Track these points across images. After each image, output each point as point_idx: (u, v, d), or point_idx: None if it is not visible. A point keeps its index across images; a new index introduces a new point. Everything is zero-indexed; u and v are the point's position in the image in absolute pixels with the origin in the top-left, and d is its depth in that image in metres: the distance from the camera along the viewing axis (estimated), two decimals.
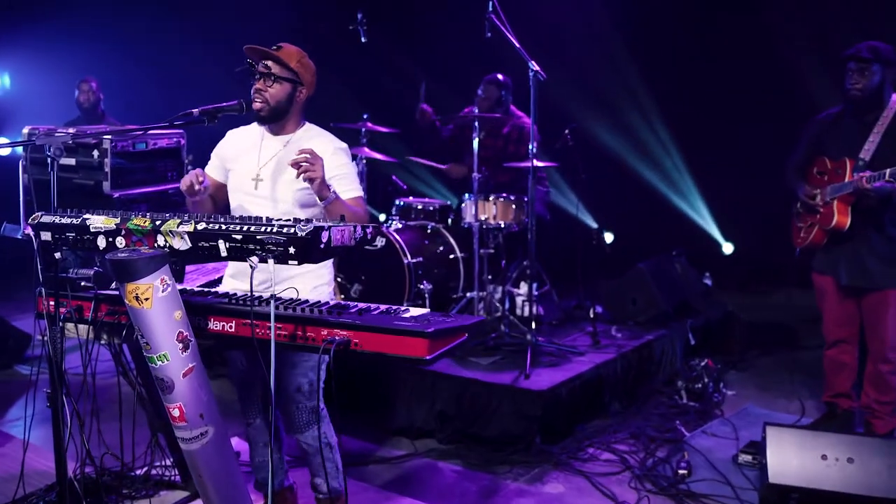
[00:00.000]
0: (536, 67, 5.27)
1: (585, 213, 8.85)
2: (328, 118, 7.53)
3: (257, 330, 2.78)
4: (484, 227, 6.18)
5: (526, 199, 6.20)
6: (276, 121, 3.55)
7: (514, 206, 6.23)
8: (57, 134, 4.02)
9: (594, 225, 8.36)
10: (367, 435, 5.19)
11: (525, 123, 6.52)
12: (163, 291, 2.65)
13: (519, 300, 6.40)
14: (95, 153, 3.97)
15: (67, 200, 4.20)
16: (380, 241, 6.29)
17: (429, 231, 6.37)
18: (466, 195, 6.37)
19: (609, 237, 9.58)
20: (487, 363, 5.44)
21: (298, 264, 2.56)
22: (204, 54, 8.49)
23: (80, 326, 3.19)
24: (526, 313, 6.28)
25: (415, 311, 2.94)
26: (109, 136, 3.82)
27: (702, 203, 9.12)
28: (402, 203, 6.68)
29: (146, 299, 2.62)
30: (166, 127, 3.32)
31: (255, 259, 2.53)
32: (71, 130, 4.01)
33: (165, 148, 4.34)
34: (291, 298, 2.98)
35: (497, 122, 6.54)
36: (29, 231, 3.07)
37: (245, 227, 2.58)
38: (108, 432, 3.49)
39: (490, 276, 6.32)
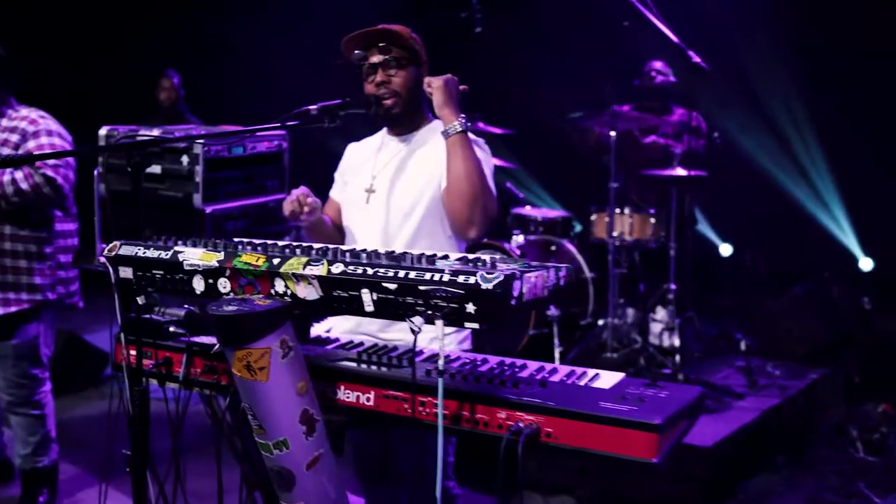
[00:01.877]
0: (697, 59, 4.40)
1: (707, 226, 7.89)
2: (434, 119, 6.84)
3: (404, 405, 2.01)
4: (618, 243, 5.35)
5: (667, 212, 5.36)
6: (410, 117, 2.82)
7: (652, 220, 5.38)
8: (140, 136, 3.35)
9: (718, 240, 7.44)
10: (487, 486, 4.39)
11: (689, 117, 5.62)
12: (283, 357, 1.90)
13: (656, 328, 5.53)
14: (185, 159, 3.27)
15: (151, 217, 3.54)
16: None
17: (553, 248, 5.55)
18: (594, 206, 5.56)
19: (727, 249, 8.59)
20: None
21: (480, 328, 1.77)
22: (290, 52, 7.81)
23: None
24: (665, 343, 5.42)
25: (608, 378, 2.13)
26: (202, 139, 3.10)
27: (842, 215, 8.04)
28: (518, 214, 5.88)
29: (261, 369, 1.87)
30: (276, 127, 2.58)
31: (418, 321, 1.75)
32: (156, 132, 3.33)
33: (265, 153, 3.62)
34: (433, 352, 2.20)
35: (655, 119, 5.64)
36: (104, 260, 2.36)
37: (402, 273, 1.81)
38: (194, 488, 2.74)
39: (622, 300, 5.48)
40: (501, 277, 1.73)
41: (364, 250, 2.26)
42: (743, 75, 7.02)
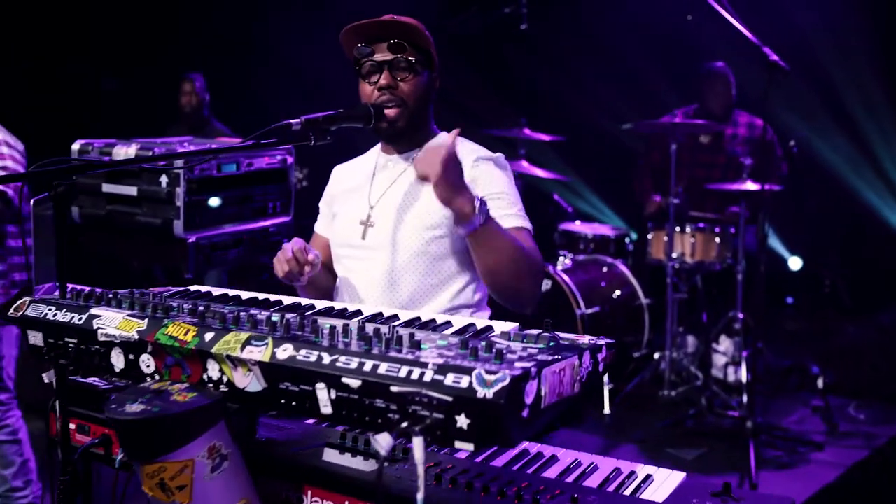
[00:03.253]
0: (775, 57, 3.78)
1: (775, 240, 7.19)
2: (476, 125, 6.28)
3: None
4: (678, 265, 4.74)
5: (733, 231, 4.74)
6: (415, 132, 2.27)
7: (717, 240, 4.76)
8: (116, 150, 2.89)
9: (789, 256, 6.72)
10: None
11: (759, 125, 4.98)
12: (213, 471, 1.39)
13: (720, 361, 4.91)
14: (163, 180, 2.78)
15: (128, 246, 3.08)
16: (545, 285, 4.72)
17: (605, 270, 4.96)
18: (652, 223, 4.96)
19: (797, 262, 7.84)
20: (691, 458, 4.00)
21: (475, 449, 1.23)
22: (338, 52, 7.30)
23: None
24: (730, 379, 4.81)
25: (664, 480, 1.58)
26: (183, 156, 2.60)
27: None
28: (566, 230, 5.30)
29: (180, 488, 1.36)
30: (246, 147, 2.08)
31: (384, 441, 1.21)
32: (133, 147, 2.85)
33: (265, 170, 3.12)
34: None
35: (718, 126, 5.00)
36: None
37: (369, 365, 1.28)
38: None
39: (682, 329, 4.87)
40: (507, 381, 1.19)
41: (344, 310, 1.74)
42: (822, 75, 6.29)
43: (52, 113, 5.64)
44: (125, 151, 2.85)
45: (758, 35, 3.89)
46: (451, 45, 6.17)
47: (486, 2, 5.37)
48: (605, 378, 4.51)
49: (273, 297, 1.88)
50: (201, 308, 1.61)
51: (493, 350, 1.30)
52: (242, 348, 1.40)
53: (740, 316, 4.70)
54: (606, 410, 4.46)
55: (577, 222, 5.47)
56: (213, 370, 1.46)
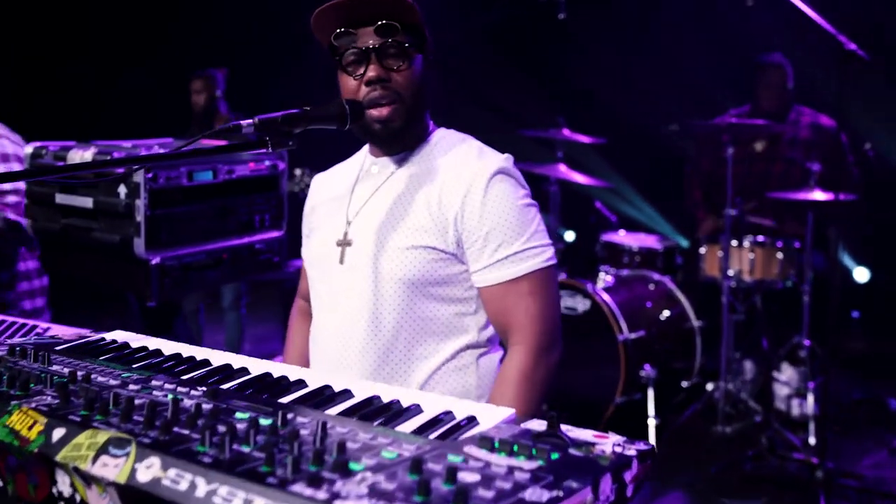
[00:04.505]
0: (852, 45, 3.23)
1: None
2: (510, 125, 5.78)
3: None
4: (735, 283, 4.21)
5: (798, 246, 4.20)
6: (409, 131, 1.83)
7: (780, 256, 4.22)
8: (72, 154, 2.48)
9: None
10: None
11: (827, 125, 4.42)
12: None
13: (782, 392, 4.36)
14: (122, 191, 2.35)
15: (85, 266, 2.66)
16: (582, 305, 4.18)
17: (651, 287, 4.43)
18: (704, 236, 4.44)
19: (863, 274, 7.19)
20: None
21: None
22: None
23: None
24: (794, 413, 4.26)
25: None
26: (142, 162, 2.17)
27: None
28: (609, 241, 4.79)
29: None
30: (179, 156, 1.63)
31: None
32: (90, 151, 2.44)
33: (250, 178, 2.69)
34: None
35: (779, 127, 4.44)
36: None
37: (261, 499, 0.81)
38: None
39: (739, 355, 4.34)
40: None
41: (280, 381, 1.27)
42: None
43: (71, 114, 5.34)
44: (80, 155, 2.44)
45: (830, 21, 3.35)
46: (482, 37, 5.70)
47: None
48: (651, 410, 3.99)
49: (202, 354, 1.42)
50: (75, 379, 1.17)
51: (456, 485, 0.83)
52: (95, 458, 0.95)
53: (806, 342, 4.16)
54: None
55: (621, 232, 4.95)
56: (63, 484, 1.00)
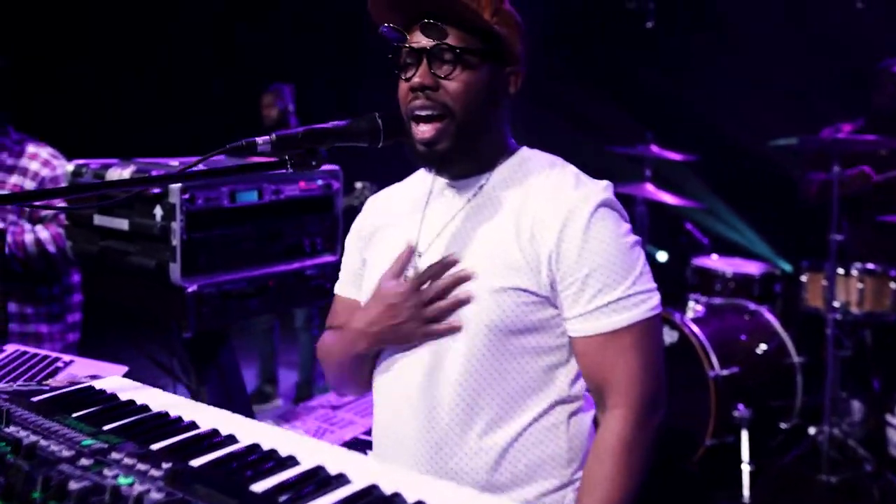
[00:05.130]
0: None
1: None
2: (595, 140, 5.46)
3: None
4: (841, 316, 3.80)
5: None
6: (474, 153, 1.56)
7: (893, 286, 3.80)
8: (111, 173, 2.33)
9: None
10: None
11: None
12: None
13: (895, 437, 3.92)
14: (157, 212, 2.19)
15: (123, 291, 2.50)
16: (669, 337, 3.80)
17: (746, 318, 4.06)
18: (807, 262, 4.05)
19: None
20: None
21: None
22: None
23: None
24: None
25: None
26: (181, 180, 1.98)
27: None
28: (700, 266, 4.43)
29: None
30: (171, 179, 1.42)
31: None
32: (129, 169, 2.29)
33: (301, 199, 2.50)
34: None
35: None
36: None
37: None
38: None
39: (845, 395, 3.93)
40: None
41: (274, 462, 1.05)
42: None
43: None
44: (119, 174, 2.29)
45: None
46: (564, 48, 5.41)
47: None
48: (745, 455, 3.62)
49: (192, 414, 1.20)
50: (18, 449, 0.97)
51: None
52: None
53: None
54: (746, 499, 3.57)
55: (714, 257, 4.58)
56: None
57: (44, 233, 2.84)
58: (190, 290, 2.19)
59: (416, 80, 1.48)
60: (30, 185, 2.90)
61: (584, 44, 5.29)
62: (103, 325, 3.36)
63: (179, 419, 1.18)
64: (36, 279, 2.92)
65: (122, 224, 2.26)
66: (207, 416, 1.19)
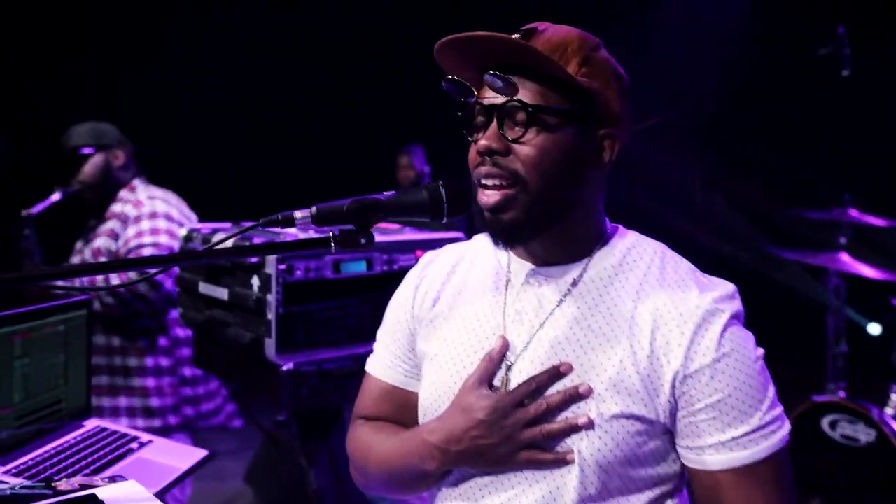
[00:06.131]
0: None
1: None
2: (782, 203, 4.90)
3: None
4: None
5: None
6: (539, 231, 1.25)
7: None
8: (216, 238, 2.22)
9: None
10: None
11: None
12: None
13: None
14: (255, 282, 2.05)
15: (228, 364, 2.37)
16: (865, 436, 3.23)
17: None
18: None
19: None
20: None
21: None
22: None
23: None
24: None
25: None
26: (274, 249, 1.81)
27: None
28: None
29: None
30: (202, 256, 1.24)
31: None
32: (232, 240, 2.16)
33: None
34: None
35: None
36: None
37: None
38: None
39: None
40: None
41: None
42: None
43: None
44: (223, 242, 2.17)
45: None
46: (750, 99, 4.91)
47: (793, 41, 4.11)
48: None
49: None
50: None
51: None
52: None
53: None
54: None
55: None
56: None
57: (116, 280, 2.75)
58: (285, 368, 2.01)
59: (482, 142, 1.22)
60: (113, 224, 2.86)
61: (772, 96, 4.81)
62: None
63: None
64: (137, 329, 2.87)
65: (223, 293, 2.14)
66: None
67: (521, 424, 1.21)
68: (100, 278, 2.73)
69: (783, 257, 4.15)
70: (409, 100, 6.19)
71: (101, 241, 2.87)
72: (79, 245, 3.02)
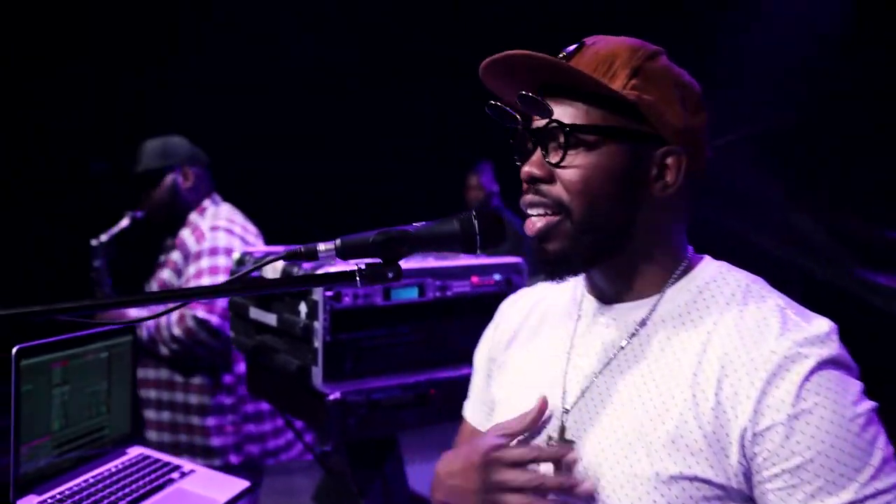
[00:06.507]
0: None
1: None
2: (875, 229, 4.57)
3: None
4: None
5: None
6: (592, 263, 1.16)
7: None
8: (269, 267, 2.18)
9: None
10: None
11: None
12: None
13: None
14: (302, 309, 1.99)
15: (278, 392, 2.32)
16: None
17: None
18: None
19: None
20: None
21: None
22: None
23: None
24: None
25: None
26: (294, 283, 1.76)
27: None
28: None
29: None
30: (221, 291, 1.17)
31: None
32: (280, 264, 2.12)
33: (472, 295, 2.19)
34: None
35: None
36: None
37: None
38: None
39: None
40: None
41: None
42: None
43: None
44: (273, 267, 2.13)
45: None
46: (835, 105, 4.63)
47: (891, 46, 3.86)
48: None
49: None
50: None
51: None
52: None
53: None
54: None
55: None
56: None
57: (172, 315, 2.66)
58: (332, 397, 1.95)
59: (524, 170, 1.14)
60: (177, 257, 2.82)
61: (865, 105, 4.52)
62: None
63: None
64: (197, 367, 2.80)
65: (272, 319, 2.09)
66: None
67: (505, 486, 1.12)
68: (162, 321, 2.69)
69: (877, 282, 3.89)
70: (473, 113, 6.12)
71: (166, 275, 2.82)
72: (161, 258, 2.96)
